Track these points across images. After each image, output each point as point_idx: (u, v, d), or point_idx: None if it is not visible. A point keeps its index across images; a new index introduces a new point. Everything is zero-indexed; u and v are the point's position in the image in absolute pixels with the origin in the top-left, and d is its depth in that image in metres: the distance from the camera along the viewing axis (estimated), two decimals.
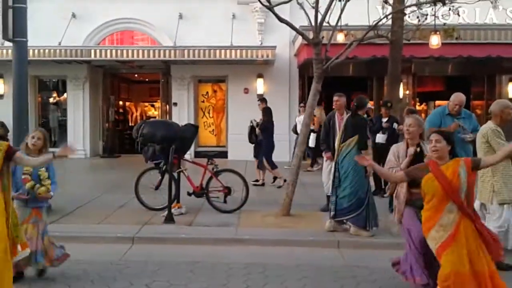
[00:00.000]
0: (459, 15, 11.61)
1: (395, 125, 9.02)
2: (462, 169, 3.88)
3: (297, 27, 9.61)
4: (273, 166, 10.55)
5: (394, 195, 4.81)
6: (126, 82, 19.58)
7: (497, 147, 5.07)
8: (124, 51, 13.88)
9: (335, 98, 7.72)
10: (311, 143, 12.15)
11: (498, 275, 3.85)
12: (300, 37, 11.36)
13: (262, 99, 11.62)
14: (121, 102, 19.01)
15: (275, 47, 14.02)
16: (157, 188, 7.98)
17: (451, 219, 3.85)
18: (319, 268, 5.48)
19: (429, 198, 3.96)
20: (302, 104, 13.31)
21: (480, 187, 5.27)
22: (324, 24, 8.92)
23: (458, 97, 6.72)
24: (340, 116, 7.57)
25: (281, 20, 8.66)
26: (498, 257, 3.98)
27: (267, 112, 10.77)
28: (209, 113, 16.03)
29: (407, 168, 4.51)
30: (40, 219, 5.01)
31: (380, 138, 9.26)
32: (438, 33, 10.57)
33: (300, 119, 12.92)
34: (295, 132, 12.91)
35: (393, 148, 4.98)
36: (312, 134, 11.87)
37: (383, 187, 9.23)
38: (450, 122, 6.59)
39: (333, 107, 7.74)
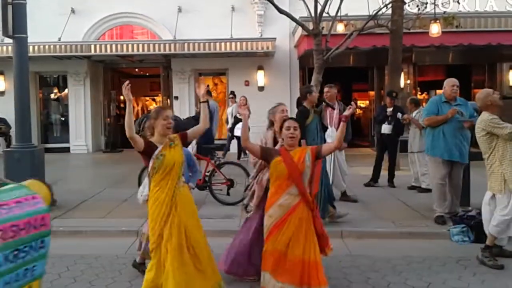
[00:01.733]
0: (459, 3, 11.63)
1: (399, 115, 9.00)
2: (308, 155, 4.06)
3: (297, 18, 9.61)
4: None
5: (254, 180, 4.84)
6: (127, 77, 19.51)
7: (502, 132, 5.06)
8: (124, 46, 13.88)
9: (325, 89, 7.66)
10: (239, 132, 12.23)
11: (321, 267, 4.02)
12: (300, 28, 11.34)
13: (232, 92, 11.82)
14: (122, 97, 18.99)
15: (275, 38, 14.00)
16: None
17: (290, 202, 3.99)
18: (323, 258, 5.50)
19: (273, 179, 4.11)
20: (231, 96, 13.42)
21: (490, 178, 5.24)
22: (324, 14, 8.92)
23: (451, 80, 6.76)
24: (332, 109, 7.52)
25: (280, 11, 8.67)
26: (325, 251, 4.21)
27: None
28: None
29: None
30: None
31: (386, 128, 9.24)
32: (438, 21, 10.55)
33: (229, 111, 13.12)
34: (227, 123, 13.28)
35: (261, 135, 5.08)
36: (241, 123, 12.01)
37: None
38: (447, 109, 6.60)
39: (324, 97, 7.65)
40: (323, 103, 6.67)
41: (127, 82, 4.13)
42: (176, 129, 7.71)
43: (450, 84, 6.70)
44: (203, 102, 4.40)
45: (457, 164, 6.64)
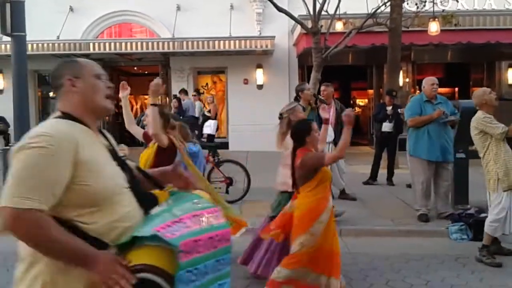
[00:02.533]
0: (457, 1, 11.63)
1: (400, 110, 9.03)
2: None
3: (296, 16, 9.61)
4: None
5: None
6: (126, 75, 19.52)
7: (494, 131, 5.07)
8: (123, 44, 13.86)
9: (322, 87, 7.66)
10: (212, 130, 12.26)
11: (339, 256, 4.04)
12: (299, 27, 11.34)
13: (196, 90, 12.27)
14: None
15: (274, 37, 13.99)
16: None
17: (331, 203, 4.04)
18: None
19: (316, 183, 3.95)
20: (194, 93, 13.59)
21: (486, 176, 5.25)
22: (323, 13, 8.93)
23: (430, 79, 6.82)
24: (328, 105, 7.51)
25: (279, 9, 8.67)
26: None
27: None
28: (209, 104, 16.00)
29: None
30: None
31: (387, 126, 9.27)
32: (436, 19, 10.55)
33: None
34: None
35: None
36: (212, 121, 12.40)
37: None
38: (430, 108, 6.61)
39: (321, 96, 7.66)
40: (318, 100, 6.66)
41: (123, 82, 4.21)
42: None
43: (430, 83, 6.72)
44: (152, 105, 4.12)
45: (442, 163, 6.65)
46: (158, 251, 1.70)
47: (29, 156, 1.69)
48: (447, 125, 6.60)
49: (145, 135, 4.45)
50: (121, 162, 1.96)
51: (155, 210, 1.91)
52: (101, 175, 1.79)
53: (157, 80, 4.13)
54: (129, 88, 4.47)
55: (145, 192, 1.99)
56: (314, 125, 4.18)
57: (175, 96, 12.19)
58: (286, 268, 3.90)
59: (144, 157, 4.16)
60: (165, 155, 4.14)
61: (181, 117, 8.71)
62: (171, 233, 1.71)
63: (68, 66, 1.98)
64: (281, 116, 4.85)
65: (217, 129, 13.20)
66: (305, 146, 4.06)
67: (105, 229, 1.77)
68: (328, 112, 4.39)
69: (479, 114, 5.25)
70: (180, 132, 4.82)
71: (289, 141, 4.40)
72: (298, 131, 4.13)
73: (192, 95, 13.66)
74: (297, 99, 6.84)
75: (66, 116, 1.89)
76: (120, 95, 4.41)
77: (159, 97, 4.19)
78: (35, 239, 1.69)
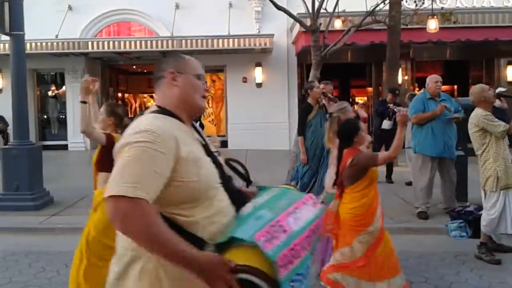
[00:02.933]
0: None
1: (399, 108, 9.00)
2: None
3: (295, 14, 9.60)
4: None
5: None
6: (125, 74, 19.53)
7: (495, 130, 5.06)
8: (122, 43, 13.85)
9: (321, 85, 7.62)
10: None
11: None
12: (297, 25, 11.32)
13: None
14: (120, 94, 18.98)
15: (272, 35, 13.98)
16: None
17: (379, 201, 3.99)
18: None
19: (366, 184, 3.92)
20: None
21: (483, 175, 5.24)
22: (322, 10, 8.91)
23: (434, 76, 6.82)
24: (327, 103, 7.49)
25: (278, 7, 8.66)
26: None
27: None
28: (208, 102, 16.01)
29: None
30: None
31: (386, 124, 9.27)
32: (435, 17, 10.54)
33: None
34: None
35: None
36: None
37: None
38: (433, 105, 6.61)
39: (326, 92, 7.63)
40: (325, 97, 6.64)
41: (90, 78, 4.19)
42: None
43: (434, 80, 6.73)
44: (81, 102, 4.06)
45: (446, 160, 6.66)
46: (257, 252, 1.67)
47: (133, 151, 1.68)
48: (451, 122, 6.60)
49: (109, 137, 4.31)
50: (213, 157, 1.96)
51: (248, 208, 1.89)
52: (199, 171, 1.79)
53: (87, 78, 4.16)
54: (97, 86, 4.27)
55: (235, 188, 2.01)
56: (361, 124, 4.14)
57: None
58: (336, 272, 3.83)
59: (94, 156, 4.15)
60: (107, 153, 4.12)
61: None
62: (270, 241, 1.69)
63: (173, 60, 2.01)
64: (330, 115, 4.85)
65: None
66: (353, 146, 3.99)
67: (202, 225, 1.76)
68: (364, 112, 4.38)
69: (479, 111, 5.21)
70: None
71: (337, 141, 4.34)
72: (346, 131, 4.06)
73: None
74: (305, 97, 6.84)
75: (163, 111, 1.90)
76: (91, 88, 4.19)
77: (90, 95, 4.11)
78: (141, 233, 1.64)
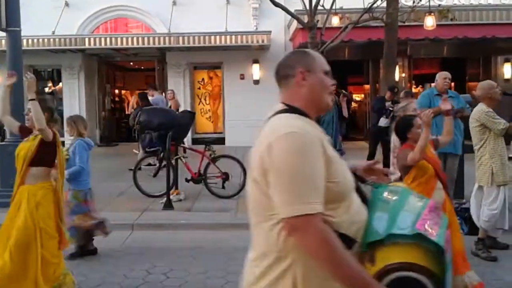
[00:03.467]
0: None
1: (387, 104, 9.02)
2: (433, 150, 4.18)
3: (292, 11, 9.59)
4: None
5: None
6: (122, 70, 19.50)
7: (495, 127, 5.08)
8: (119, 39, 13.81)
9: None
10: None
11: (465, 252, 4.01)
12: (295, 21, 11.32)
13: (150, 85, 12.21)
14: (117, 91, 18.95)
15: (270, 32, 13.96)
16: (155, 175, 8.01)
17: (440, 196, 3.97)
18: None
19: (419, 181, 3.98)
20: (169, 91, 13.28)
21: (478, 169, 5.27)
22: (319, 7, 8.90)
23: (443, 73, 6.79)
24: (341, 99, 7.49)
25: (275, 4, 8.65)
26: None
27: (142, 97, 11.16)
28: (205, 99, 16.01)
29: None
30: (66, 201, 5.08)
31: (383, 122, 9.28)
32: (433, 14, 10.55)
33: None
34: None
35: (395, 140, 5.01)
36: None
37: None
38: (439, 101, 6.59)
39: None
40: (341, 94, 6.65)
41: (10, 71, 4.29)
42: (172, 123, 7.77)
43: (443, 76, 6.72)
44: (31, 100, 4.09)
45: (450, 155, 6.67)
46: (412, 248, 1.66)
47: (288, 157, 1.61)
48: (456, 117, 6.59)
49: (22, 128, 4.45)
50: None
51: (383, 206, 1.86)
52: (341, 171, 1.75)
53: (30, 76, 4.20)
54: (15, 78, 4.52)
55: (358, 187, 1.95)
56: (417, 120, 4.17)
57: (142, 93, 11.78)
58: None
59: (24, 150, 4.11)
60: (48, 148, 4.15)
61: (177, 112, 8.68)
62: (429, 230, 1.70)
63: (301, 58, 1.93)
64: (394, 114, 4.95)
65: None
66: (407, 142, 4.12)
67: (346, 225, 1.72)
68: (448, 104, 4.42)
69: (482, 107, 5.23)
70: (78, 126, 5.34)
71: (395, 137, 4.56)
72: (400, 127, 4.21)
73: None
74: None
75: (295, 110, 1.83)
76: (7, 83, 4.42)
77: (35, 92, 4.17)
78: (324, 251, 1.59)
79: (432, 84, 7.02)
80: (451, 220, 3.86)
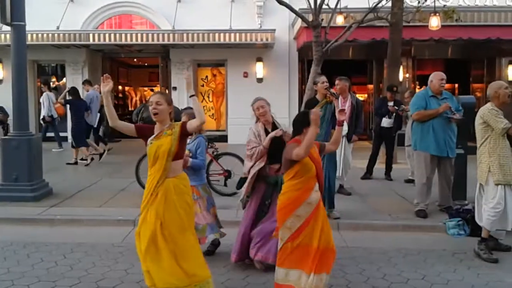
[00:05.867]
0: None
1: (402, 107, 9.00)
2: (316, 151, 4.14)
3: (297, 9, 9.57)
4: (83, 144, 11.07)
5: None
6: (125, 67, 19.51)
7: (497, 126, 5.10)
8: (123, 35, 13.82)
9: (336, 81, 7.61)
10: (92, 121, 12.05)
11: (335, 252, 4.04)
12: (299, 20, 11.30)
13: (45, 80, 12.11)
14: (120, 87, 18.96)
15: (274, 30, 13.95)
16: None
17: (317, 197, 4.02)
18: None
19: (300, 179, 3.98)
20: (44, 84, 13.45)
21: (478, 167, 5.31)
22: (324, 6, 8.89)
23: (438, 73, 6.75)
24: (343, 99, 7.47)
25: (280, 2, 8.63)
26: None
27: (73, 92, 11.27)
28: (208, 97, 16.01)
29: (269, 145, 4.84)
30: (198, 196, 5.17)
31: (386, 122, 9.27)
32: (437, 14, 10.51)
33: (41, 100, 13.43)
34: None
35: (252, 128, 5.09)
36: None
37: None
38: (435, 103, 6.57)
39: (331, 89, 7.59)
40: (329, 94, 6.62)
41: (106, 75, 4.15)
42: (175, 119, 7.77)
43: (439, 77, 6.67)
44: (192, 96, 4.08)
45: (445, 158, 6.66)
46: None
47: None
48: (452, 121, 6.58)
49: (139, 127, 4.24)
50: None
51: None
52: None
53: (187, 74, 4.31)
54: (111, 82, 4.27)
55: None
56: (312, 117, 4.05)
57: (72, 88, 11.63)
58: (279, 266, 3.98)
59: (165, 145, 3.88)
60: (183, 142, 4.09)
61: (180, 109, 8.66)
62: None
63: None
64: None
65: (102, 121, 12.81)
66: (299, 137, 4.06)
67: None
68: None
69: (488, 105, 5.32)
70: None
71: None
72: (299, 120, 4.16)
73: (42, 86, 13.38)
74: (316, 92, 6.84)
75: None
76: (102, 89, 4.20)
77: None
78: None
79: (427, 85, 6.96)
80: (324, 218, 4.03)
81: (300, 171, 3.97)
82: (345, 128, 7.46)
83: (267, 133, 5.00)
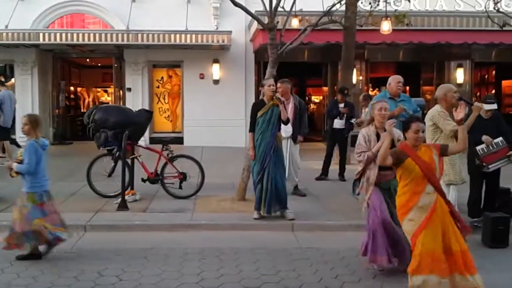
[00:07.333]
0: (409, 1, 11.90)
1: (353, 120, 9.24)
2: (435, 155, 4.12)
3: (253, 11, 9.57)
4: None
5: (362, 177, 4.99)
6: (77, 67, 19.00)
7: (445, 127, 5.26)
8: (75, 35, 13.45)
9: (278, 84, 7.61)
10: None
11: (469, 252, 4.03)
12: (255, 22, 11.31)
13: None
14: (72, 88, 18.46)
15: (230, 32, 13.92)
16: (110, 175, 7.84)
17: (429, 200, 4.02)
18: (273, 251, 5.56)
19: (406, 182, 4.11)
20: None
21: None
22: (279, 9, 8.92)
23: (396, 77, 6.93)
24: (286, 101, 7.49)
25: (236, 4, 8.61)
26: (467, 233, 4.21)
27: None
28: (164, 98, 15.80)
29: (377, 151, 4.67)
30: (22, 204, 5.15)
31: (338, 123, 9.47)
32: (389, 19, 10.76)
33: None
34: None
35: (363, 131, 5.02)
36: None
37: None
38: (392, 105, 6.70)
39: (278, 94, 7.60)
40: (275, 97, 6.66)
41: None
42: (128, 121, 7.64)
43: (396, 80, 6.85)
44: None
45: None
46: None
47: None
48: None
49: None
50: None
51: None
52: None
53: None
54: None
55: None
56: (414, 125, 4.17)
57: None
58: (412, 274, 3.95)
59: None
60: None
61: (134, 111, 8.51)
62: None
63: None
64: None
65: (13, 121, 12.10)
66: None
67: None
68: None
69: (437, 107, 5.48)
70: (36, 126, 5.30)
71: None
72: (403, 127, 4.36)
73: None
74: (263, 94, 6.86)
75: None
76: None
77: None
78: None
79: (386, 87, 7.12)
80: (446, 221, 4.01)
81: (403, 175, 4.10)
82: (289, 129, 7.58)
83: (378, 137, 4.87)
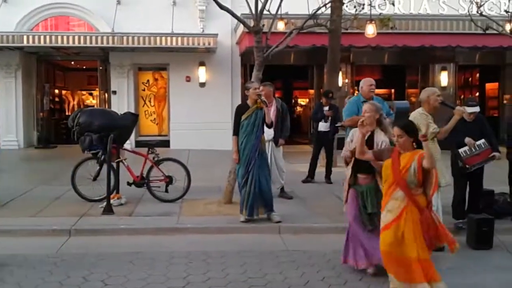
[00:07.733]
0: (394, 5, 12.01)
1: (338, 124, 9.30)
2: (414, 162, 4.09)
3: (239, 14, 9.59)
4: None
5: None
6: (62, 70, 18.84)
7: (427, 129, 5.32)
8: (59, 37, 13.33)
9: (260, 87, 7.61)
10: None
11: (431, 264, 4.10)
12: (241, 25, 11.34)
13: None
14: (57, 91, 18.29)
15: (216, 35, 13.91)
16: (95, 178, 7.77)
17: (396, 205, 4.12)
18: (260, 254, 5.56)
19: (383, 182, 4.33)
20: None
21: None
22: (265, 12, 8.94)
23: (368, 79, 7.05)
24: (269, 104, 7.48)
25: (222, 7, 8.60)
26: (452, 249, 4.19)
27: None
28: (150, 101, 15.72)
29: (352, 150, 4.82)
30: None
31: (323, 126, 9.54)
32: (373, 22, 10.86)
33: None
34: None
35: (352, 131, 5.11)
36: None
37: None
38: None
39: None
40: (259, 100, 6.67)
41: None
42: (113, 125, 7.60)
43: (368, 83, 6.96)
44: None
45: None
46: None
47: None
48: None
49: None
50: None
51: None
52: None
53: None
54: None
55: None
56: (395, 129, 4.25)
57: None
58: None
59: None
60: None
61: (119, 114, 8.45)
62: None
63: None
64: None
65: None
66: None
67: None
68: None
69: (420, 109, 5.57)
70: None
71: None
72: None
73: None
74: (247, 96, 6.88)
75: None
76: None
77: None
78: None
79: (378, 91, 7.22)
80: (414, 229, 4.05)
81: (383, 174, 4.28)
82: (271, 132, 7.63)
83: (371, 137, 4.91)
